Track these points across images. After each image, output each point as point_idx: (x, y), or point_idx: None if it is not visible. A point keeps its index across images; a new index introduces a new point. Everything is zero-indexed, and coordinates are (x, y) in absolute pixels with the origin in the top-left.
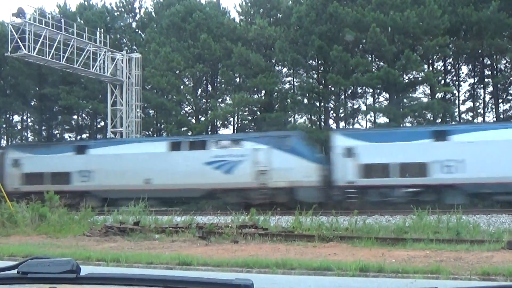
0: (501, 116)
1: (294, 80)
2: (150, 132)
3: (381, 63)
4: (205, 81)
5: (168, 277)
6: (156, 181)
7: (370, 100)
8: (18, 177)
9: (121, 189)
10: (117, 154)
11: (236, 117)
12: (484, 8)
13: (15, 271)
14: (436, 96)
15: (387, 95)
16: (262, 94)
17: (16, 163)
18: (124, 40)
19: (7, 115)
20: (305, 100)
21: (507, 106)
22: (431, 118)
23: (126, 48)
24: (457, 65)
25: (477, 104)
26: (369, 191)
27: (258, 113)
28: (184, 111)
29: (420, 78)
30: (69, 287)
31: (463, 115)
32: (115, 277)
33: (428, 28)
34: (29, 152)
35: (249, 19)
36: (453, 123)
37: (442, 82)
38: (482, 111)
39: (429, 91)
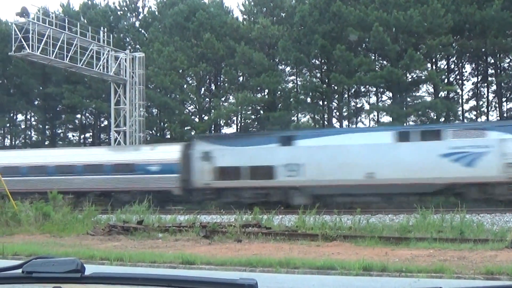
0: (505, 115)
1: (298, 79)
2: (153, 131)
3: (384, 62)
4: (208, 80)
5: (173, 276)
6: (380, 175)
7: (373, 99)
8: (209, 172)
9: (336, 184)
10: (333, 145)
11: (240, 116)
12: (487, 7)
13: (19, 270)
14: (439, 95)
15: (390, 94)
16: (265, 93)
17: (207, 156)
18: (127, 39)
19: (11, 114)
20: (309, 99)
21: (511, 104)
22: (435, 117)
23: (129, 47)
24: (461, 64)
25: (481, 103)
26: None
27: (262, 112)
28: (188, 110)
29: (423, 77)
30: (74, 287)
31: (466, 114)
32: (120, 277)
33: (432, 27)
34: (223, 143)
35: (252, 18)
36: None
37: (446, 81)
38: (485, 110)
39: (432, 90)
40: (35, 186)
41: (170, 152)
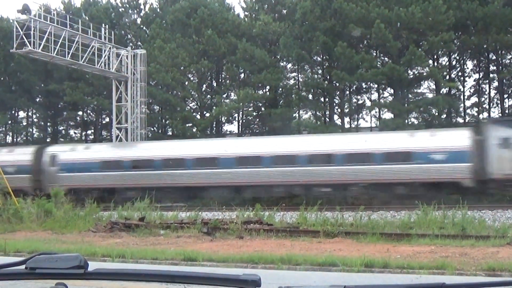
0: (507, 111)
1: (299, 76)
2: (155, 128)
3: (386, 58)
4: (209, 77)
5: (176, 272)
6: None
7: (375, 96)
8: (510, 161)
9: None
10: None
11: (241, 113)
12: (489, 4)
13: (23, 266)
14: (441, 92)
15: (392, 91)
16: (267, 90)
17: (507, 143)
18: (129, 36)
19: (13, 111)
20: (310, 96)
21: None
22: (436, 114)
23: (131, 44)
24: (462, 61)
25: (482, 99)
26: None
27: (263, 109)
28: (189, 107)
29: (425, 74)
30: (77, 283)
31: (468, 111)
32: (123, 273)
33: (433, 23)
34: None
35: (253, 15)
36: None
37: (447, 77)
38: (487, 107)
39: (434, 87)
40: (284, 177)
41: (458, 138)
